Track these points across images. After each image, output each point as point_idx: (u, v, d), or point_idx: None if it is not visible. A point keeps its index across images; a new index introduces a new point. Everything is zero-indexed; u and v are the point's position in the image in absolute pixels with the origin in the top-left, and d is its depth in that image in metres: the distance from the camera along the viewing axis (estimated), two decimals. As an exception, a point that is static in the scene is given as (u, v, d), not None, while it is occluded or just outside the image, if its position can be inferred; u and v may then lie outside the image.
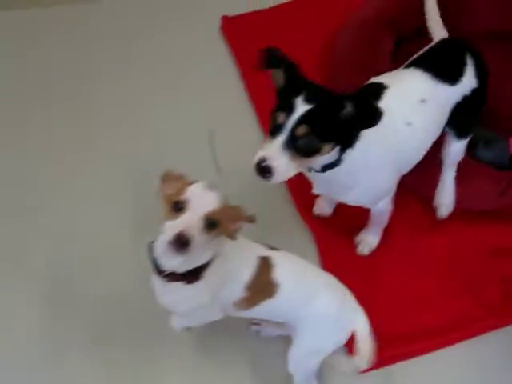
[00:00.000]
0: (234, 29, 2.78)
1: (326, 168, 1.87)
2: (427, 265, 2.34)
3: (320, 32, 2.77)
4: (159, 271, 1.71)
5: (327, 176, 1.90)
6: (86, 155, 2.53)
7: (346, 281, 1.91)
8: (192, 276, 1.71)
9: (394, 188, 2.11)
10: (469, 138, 2.29)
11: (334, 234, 2.33)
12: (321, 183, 2.03)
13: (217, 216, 1.62)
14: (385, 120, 1.76)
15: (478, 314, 2.23)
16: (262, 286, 1.81)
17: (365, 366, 1.85)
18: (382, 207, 2.17)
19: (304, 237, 2.35)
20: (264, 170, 1.75)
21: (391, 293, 2.27)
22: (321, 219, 2.35)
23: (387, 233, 2.32)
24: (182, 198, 1.62)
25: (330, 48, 2.67)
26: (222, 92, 2.66)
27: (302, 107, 1.75)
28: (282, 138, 1.76)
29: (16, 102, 2.65)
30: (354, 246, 2.32)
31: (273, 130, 1.78)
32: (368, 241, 2.32)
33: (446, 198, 2.39)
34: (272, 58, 1.83)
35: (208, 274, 1.72)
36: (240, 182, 2.32)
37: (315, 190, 2.07)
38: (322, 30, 2.78)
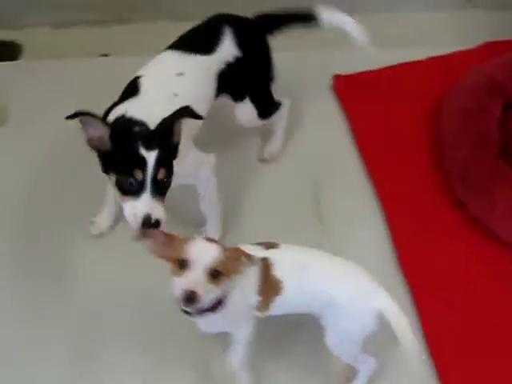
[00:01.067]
0: (346, 88, 2.86)
1: None
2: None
3: (429, 95, 2.85)
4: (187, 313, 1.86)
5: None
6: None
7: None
8: (217, 306, 1.86)
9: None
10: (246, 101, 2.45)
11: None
12: None
13: (219, 266, 1.76)
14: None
15: None
16: (269, 285, 1.91)
17: (412, 347, 1.86)
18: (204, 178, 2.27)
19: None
20: None
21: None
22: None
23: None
24: (184, 256, 1.75)
25: (439, 110, 2.73)
26: (332, 151, 2.74)
27: (150, 156, 1.91)
28: (147, 190, 1.91)
29: None
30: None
31: (129, 191, 1.92)
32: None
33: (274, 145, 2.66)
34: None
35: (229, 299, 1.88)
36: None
37: None
38: (432, 93, 2.85)
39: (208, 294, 1.76)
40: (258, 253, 1.91)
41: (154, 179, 1.92)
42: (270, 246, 1.98)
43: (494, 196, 2.45)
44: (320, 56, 3.01)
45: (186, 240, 1.79)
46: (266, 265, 1.93)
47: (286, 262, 1.95)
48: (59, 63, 3.05)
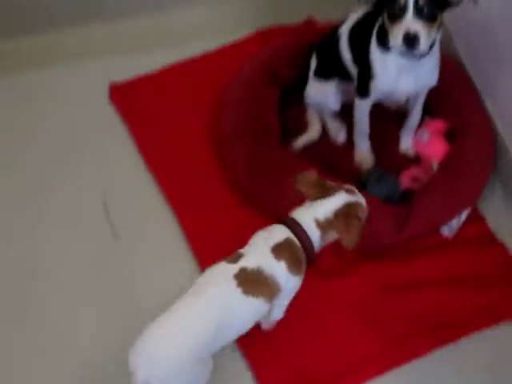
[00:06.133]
0: (124, 94, 2.93)
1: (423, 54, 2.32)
2: (332, 305, 2.49)
3: (208, 91, 2.95)
4: None
5: (420, 63, 2.38)
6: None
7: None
8: None
9: None
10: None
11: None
12: (411, 76, 2.45)
13: None
14: None
15: (384, 349, 2.39)
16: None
17: None
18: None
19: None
20: (411, 41, 2.20)
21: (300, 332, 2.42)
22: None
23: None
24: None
25: (218, 105, 2.84)
26: (116, 157, 2.82)
27: None
28: (410, 12, 2.19)
29: None
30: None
31: (396, 15, 2.22)
32: None
33: None
34: None
35: None
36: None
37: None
38: (210, 88, 2.95)
39: None
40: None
41: (416, 3, 2.19)
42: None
43: (280, 184, 2.58)
44: (97, 64, 3.06)
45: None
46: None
47: None
48: None
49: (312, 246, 2.19)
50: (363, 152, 2.76)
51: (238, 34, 3.14)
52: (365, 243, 2.43)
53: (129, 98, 2.93)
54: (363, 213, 2.20)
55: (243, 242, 2.43)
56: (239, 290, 2.08)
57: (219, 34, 3.13)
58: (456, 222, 2.61)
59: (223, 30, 3.17)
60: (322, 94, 2.76)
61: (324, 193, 2.18)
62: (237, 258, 2.14)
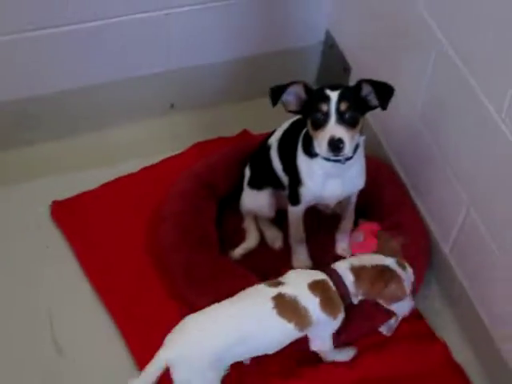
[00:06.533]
0: (64, 212, 2.98)
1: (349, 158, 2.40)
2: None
3: (148, 204, 3.02)
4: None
5: (345, 167, 2.46)
6: None
7: None
8: None
9: None
10: None
11: None
12: (338, 181, 2.54)
13: None
14: None
15: None
16: None
17: None
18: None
19: None
20: (336, 146, 2.28)
21: None
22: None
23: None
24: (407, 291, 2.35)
25: (157, 218, 2.91)
26: (58, 273, 2.84)
27: (333, 94, 2.29)
28: (333, 118, 2.28)
29: None
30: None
31: (319, 122, 2.31)
32: None
33: None
34: (276, 93, 2.34)
35: None
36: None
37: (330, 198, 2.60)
38: (150, 201, 3.03)
39: None
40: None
41: (338, 110, 2.26)
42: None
43: (220, 292, 2.63)
44: (39, 184, 3.12)
45: None
46: None
47: None
48: None
49: (347, 292, 2.35)
50: (300, 256, 2.83)
51: (177, 149, 3.23)
52: (307, 347, 2.51)
53: (70, 215, 2.98)
54: (397, 286, 2.35)
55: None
56: (274, 311, 2.28)
57: (158, 149, 3.23)
58: (394, 321, 2.66)
59: (163, 145, 3.27)
60: (256, 203, 2.85)
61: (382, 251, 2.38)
62: (276, 284, 2.35)
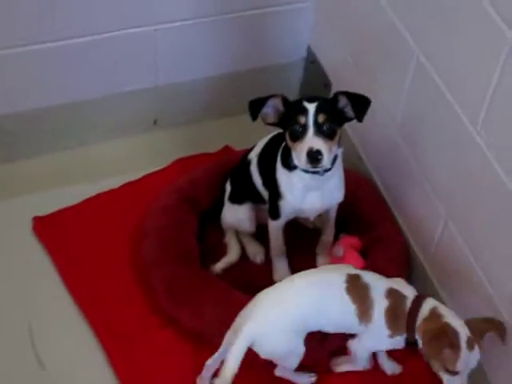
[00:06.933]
0: (48, 228, 3.00)
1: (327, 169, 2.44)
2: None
3: (130, 219, 3.04)
4: None
5: (324, 179, 2.49)
6: None
7: None
8: None
9: None
10: None
11: None
12: (317, 194, 2.57)
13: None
14: None
15: None
16: None
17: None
18: None
19: None
20: (314, 157, 2.31)
21: None
22: None
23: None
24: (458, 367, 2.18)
25: (139, 233, 2.93)
26: (40, 288, 2.86)
27: (311, 106, 2.33)
28: (311, 130, 2.32)
29: None
30: None
31: (297, 134, 2.35)
32: None
33: None
34: (255, 107, 2.39)
35: None
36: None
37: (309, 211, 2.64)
38: (132, 217, 3.05)
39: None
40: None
41: (315, 121, 2.31)
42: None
43: (202, 307, 2.67)
44: (18, 202, 3.13)
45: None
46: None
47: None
48: None
49: (414, 319, 2.30)
50: (281, 270, 2.85)
51: (159, 165, 3.25)
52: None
53: (52, 230, 3.00)
54: (451, 354, 2.22)
55: (167, 365, 2.51)
56: (344, 286, 2.33)
57: (141, 165, 3.26)
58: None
59: (145, 161, 3.29)
60: (236, 217, 2.88)
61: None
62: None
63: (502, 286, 2.39)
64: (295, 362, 2.45)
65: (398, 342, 2.36)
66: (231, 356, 2.28)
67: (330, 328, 2.44)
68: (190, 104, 3.41)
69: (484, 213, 2.40)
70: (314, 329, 2.42)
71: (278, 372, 2.55)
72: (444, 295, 2.71)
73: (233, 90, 3.39)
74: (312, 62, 3.40)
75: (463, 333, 2.24)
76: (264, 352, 2.35)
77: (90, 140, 3.33)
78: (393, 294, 2.35)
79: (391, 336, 2.35)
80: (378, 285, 2.37)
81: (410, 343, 2.33)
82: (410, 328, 2.30)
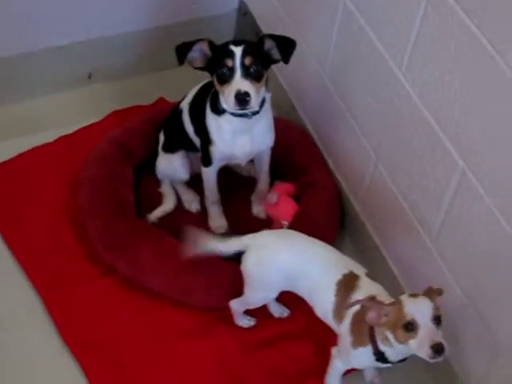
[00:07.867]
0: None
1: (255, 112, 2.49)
2: (193, 370, 2.59)
3: (66, 172, 3.05)
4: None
5: (253, 122, 2.54)
6: None
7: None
8: None
9: None
10: None
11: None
12: (246, 138, 2.62)
13: (437, 311, 2.03)
14: None
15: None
16: None
17: None
18: None
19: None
20: (242, 99, 2.36)
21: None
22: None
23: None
24: (409, 319, 2.00)
25: (75, 184, 2.95)
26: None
27: (237, 49, 2.37)
28: (238, 73, 2.36)
29: None
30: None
31: (225, 77, 2.39)
32: None
33: None
34: (182, 51, 2.43)
35: None
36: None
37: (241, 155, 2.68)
38: (68, 169, 3.06)
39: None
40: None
41: (242, 64, 2.35)
42: None
43: (138, 254, 2.69)
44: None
45: (396, 303, 2.06)
46: None
47: None
48: None
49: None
50: (216, 217, 2.89)
51: (95, 119, 3.26)
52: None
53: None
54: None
55: (104, 312, 2.54)
56: (338, 277, 2.30)
57: (77, 119, 3.25)
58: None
59: (81, 115, 3.28)
60: (170, 166, 2.91)
61: None
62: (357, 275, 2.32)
63: (430, 224, 2.46)
64: (259, 301, 2.54)
65: (366, 355, 2.22)
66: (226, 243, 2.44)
67: (314, 305, 2.40)
68: (123, 57, 3.41)
69: (411, 153, 2.46)
70: (299, 292, 2.42)
71: (231, 303, 2.59)
72: (375, 236, 2.80)
73: (166, 42, 3.35)
74: (244, 14, 3.43)
75: (383, 296, 2.23)
76: (247, 266, 2.41)
77: (25, 95, 3.31)
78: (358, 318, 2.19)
79: (354, 346, 2.23)
80: (364, 290, 2.23)
81: (383, 358, 2.19)
82: (373, 338, 2.17)
